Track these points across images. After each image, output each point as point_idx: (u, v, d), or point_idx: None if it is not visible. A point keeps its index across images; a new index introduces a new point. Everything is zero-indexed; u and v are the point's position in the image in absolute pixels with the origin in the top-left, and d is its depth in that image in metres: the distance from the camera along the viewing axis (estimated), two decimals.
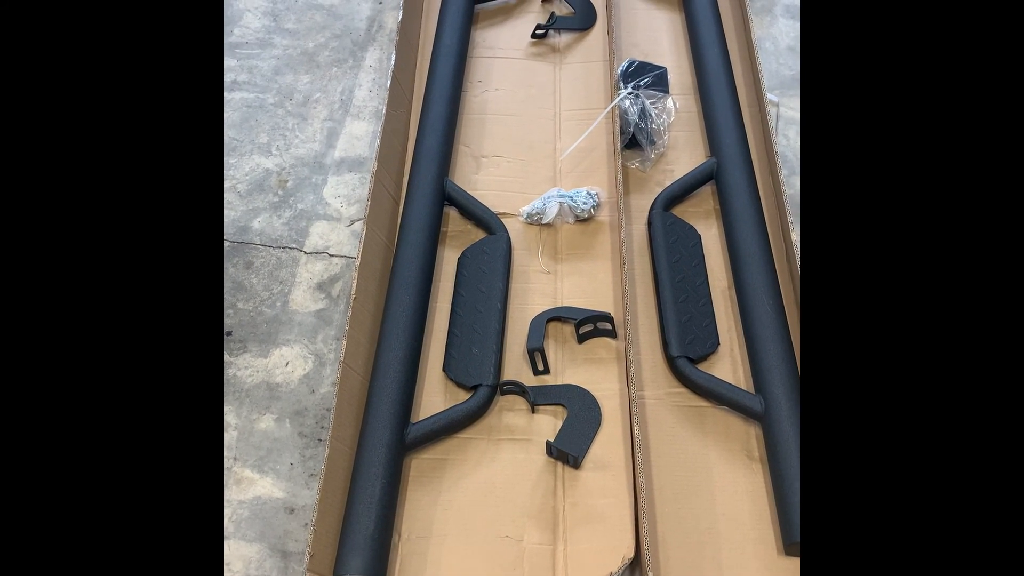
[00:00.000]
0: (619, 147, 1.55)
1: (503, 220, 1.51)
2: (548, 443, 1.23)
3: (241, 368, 1.42)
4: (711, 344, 1.35)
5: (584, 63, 1.80)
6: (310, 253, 1.58)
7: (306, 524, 1.25)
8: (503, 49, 1.84)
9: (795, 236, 1.40)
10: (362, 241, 1.36)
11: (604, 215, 1.53)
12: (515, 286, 1.45)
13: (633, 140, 1.60)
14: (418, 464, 1.25)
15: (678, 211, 1.54)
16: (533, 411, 1.30)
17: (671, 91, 1.70)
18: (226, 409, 1.37)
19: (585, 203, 1.50)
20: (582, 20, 1.86)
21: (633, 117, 1.59)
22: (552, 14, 1.85)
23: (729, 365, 1.36)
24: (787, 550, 1.16)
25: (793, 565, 1.16)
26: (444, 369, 1.34)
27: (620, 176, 1.49)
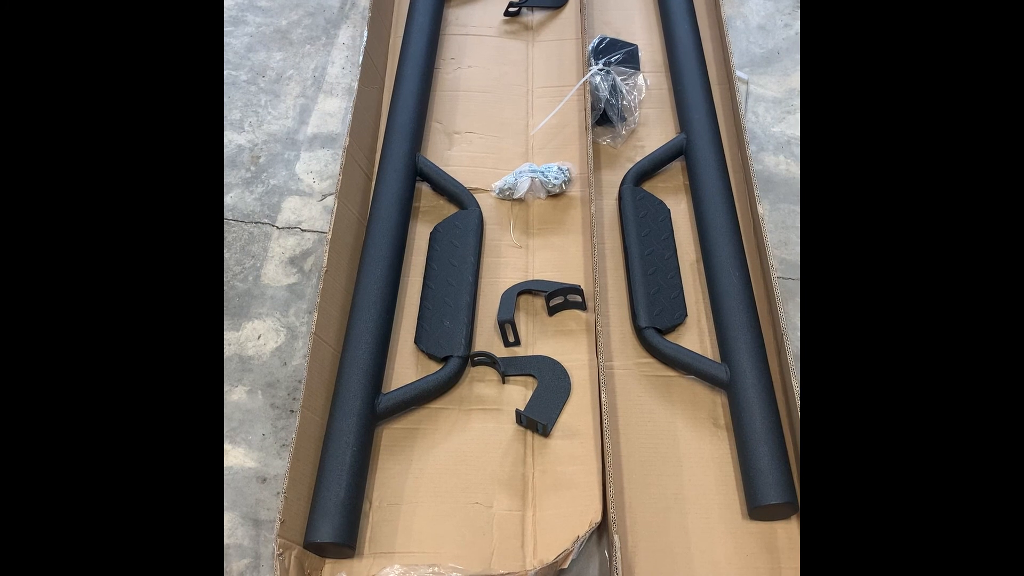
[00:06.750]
0: (590, 123, 1.56)
1: (475, 195, 1.52)
2: (518, 412, 1.25)
3: None
4: (679, 315, 1.37)
5: (557, 41, 1.81)
6: (282, 228, 1.58)
7: (278, 493, 1.25)
8: (476, 27, 1.85)
9: (762, 210, 1.42)
10: (334, 215, 1.36)
11: (575, 190, 1.55)
12: (487, 260, 1.46)
13: (604, 116, 1.61)
14: (389, 434, 1.27)
15: (648, 186, 1.56)
16: (503, 382, 1.32)
17: (642, 68, 1.71)
18: None
19: (556, 178, 1.51)
20: None
21: (604, 94, 1.60)
22: None
23: (696, 335, 1.38)
24: (751, 514, 1.18)
25: (757, 529, 1.18)
26: (416, 341, 1.35)
27: (591, 152, 1.51)
